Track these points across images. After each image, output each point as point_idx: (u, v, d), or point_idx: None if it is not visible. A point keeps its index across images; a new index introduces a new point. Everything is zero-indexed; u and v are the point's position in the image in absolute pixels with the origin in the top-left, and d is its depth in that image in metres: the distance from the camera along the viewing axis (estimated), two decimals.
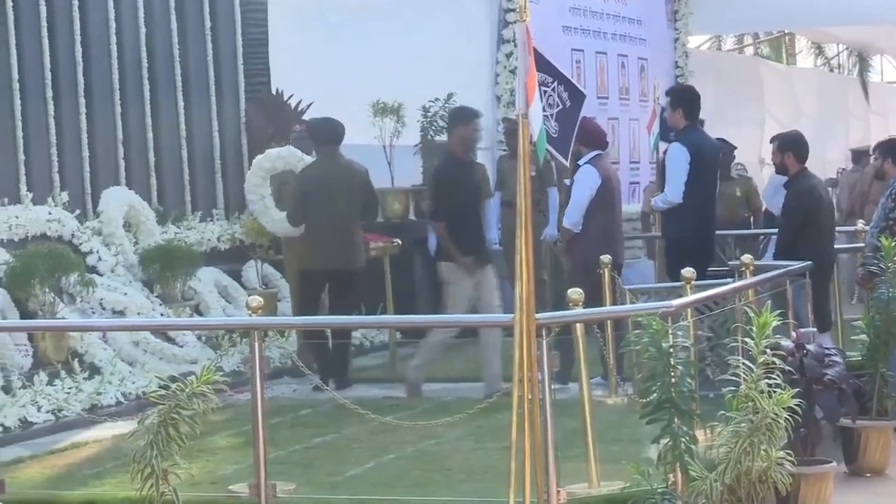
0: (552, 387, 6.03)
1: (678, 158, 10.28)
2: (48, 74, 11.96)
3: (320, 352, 10.78)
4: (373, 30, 14.55)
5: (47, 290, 10.62)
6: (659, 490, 5.83)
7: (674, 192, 10.27)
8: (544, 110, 5.95)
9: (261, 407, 6.39)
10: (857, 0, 19.42)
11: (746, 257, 8.49)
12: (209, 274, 12.66)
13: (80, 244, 11.65)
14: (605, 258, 9.87)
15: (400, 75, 14.04)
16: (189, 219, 13.21)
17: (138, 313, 11.27)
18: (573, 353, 7.17)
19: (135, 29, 12.89)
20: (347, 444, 8.58)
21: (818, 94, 25.76)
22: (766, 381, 5.95)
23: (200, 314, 12.17)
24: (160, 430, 5.98)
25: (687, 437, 5.79)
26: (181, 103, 13.37)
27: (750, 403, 5.89)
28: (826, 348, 7.37)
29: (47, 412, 9.65)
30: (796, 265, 8.64)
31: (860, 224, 11.65)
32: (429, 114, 14.22)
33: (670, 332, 5.85)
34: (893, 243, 8.23)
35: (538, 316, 5.78)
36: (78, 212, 11.91)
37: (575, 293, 6.48)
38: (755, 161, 20.45)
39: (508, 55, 15.04)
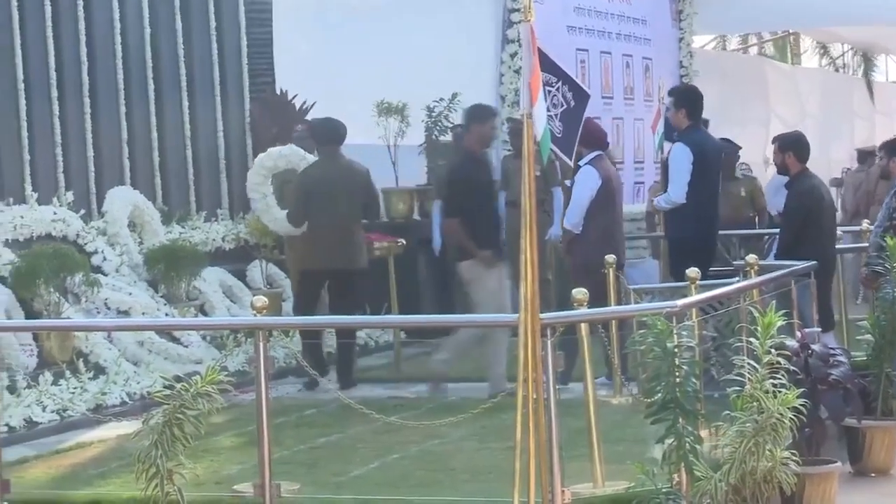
0: (556, 386, 6.04)
1: (681, 158, 10.28)
2: (53, 74, 11.97)
3: (314, 350, 10.74)
4: (377, 30, 14.55)
5: (52, 289, 10.63)
6: (663, 490, 5.83)
7: (677, 192, 10.26)
8: (548, 110, 5.93)
9: (265, 407, 6.39)
10: (862, 0, 19.39)
11: (751, 257, 8.48)
12: (214, 274, 12.67)
13: (85, 244, 11.66)
14: (610, 258, 9.88)
15: (404, 75, 14.04)
16: (194, 219, 13.22)
17: (143, 313, 11.27)
18: (575, 353, 7.17)
19: (139, 29, 12.90)
20: (352, 444, 8.59)
21: (823, 94, 25.74)
22: (771, 380, 5.95)
23: (205, 314, 12.17)
24: (165, 430, 5.98)
25: (692, 437, 5.79)
26: (186, 103, 13.38)
27: (755, 403, 5.89)
28: (830, 348, 7.37)
29: (52, 412, 9.65)
30: (801, 265, 8.63)
31: (865, 224, 11.64)
32: (433, 114, 14.22)
33: (675, 331, 5.84)
34: None
35: (543, 316, 5.78)
36: (83, 212, 11.92)
37: (579, 293, 6.48)
38: (760, 161, 20.43)
39: (513, 55, 15.04)
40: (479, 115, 10.44)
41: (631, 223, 14.81)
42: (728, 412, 5.99)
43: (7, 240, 11.05)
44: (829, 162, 22.81)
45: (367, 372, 11.63)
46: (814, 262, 8.85)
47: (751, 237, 12.66)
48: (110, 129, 12.53)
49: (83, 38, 12.30)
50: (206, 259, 12.47)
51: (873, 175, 15.79)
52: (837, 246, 10.60)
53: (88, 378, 10.40)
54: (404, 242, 12.75)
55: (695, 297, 7.01)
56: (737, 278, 8.67)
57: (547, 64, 7.26)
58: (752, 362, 5.99)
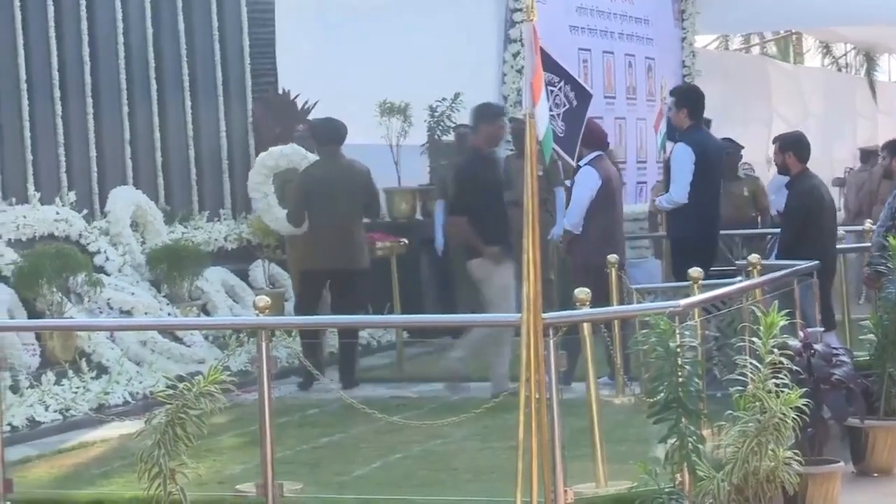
0: (559, 386, 6.04)
1: (683, 158, 10.27)
2: (56, 74, 11.98)
3: (313, 351, 10.72)
4: (380, 30, 14.55)
5: (55, 289, 10.64)
6: (666, 490, 5.82)
7: (679, 192, 10.26)
8: (551, 110, 5.94)
9: (268, 406, 6.39)
10: (865, 0, 19.39)
11: (754, 257, 8.47)
12: (216, 274, 12.67)
13: (88, 244, 11.66)
14: (612, 258, 9.88)
15: (407, 75, 14.04)
16: (196, 218, 13.22)
17: (146, 313, 11.28)
18: (577, 353, 7.16)
19: (142, 29, 12.91)
20: (354, 444, 8.59)
21: (826, 94, 25.73)
22: (774, 380, 5.95)
23: (208, 314, 12.17)
24: (167, 430, 5.98)
25: (694, 437, 5.78)
26: (188, 103, 13.38)
27: (757, 403, 5.89)
28: (833, 348, 7.36)
29: (55, 412, 9.66)
30: (804, 265, 8.63)
31: (868, 224, 11.64)
32: (435, 114, 14.22)
33: (678, 331, 5.84)
34: None
35: (545, 316, 5.78)
36: (85, 211, 11.92)
37: (582, 293, 6.48)
38: (762, 161, 20.41)
39: (515, 55, 15.03)
40: (488, 114, 10.43)
41: (633, 223, 14.82)
42: (731, 412, 5.99)
43: (10, 240, 11.06)
44: (831, 161, 22.80)
45: (370, 372, 11.63)
46: (816, 262, 8.85)
47: (753, 237, 12.65)
48: (113, 129, 12.53)
49: (86, 38, 12.30)
50: (208, 259, 12.47)
51: (876, 175, 15.79)
52: (840, 246, 10.59)
53: (91, 378, 10.40)
54: (407, 242, 12.75)
55: (697, 297, 7.01)
56: (739, 278, 8.66)
57: (549, 64, 7.28)
58: (754, 362, 5.99)
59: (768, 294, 7.79)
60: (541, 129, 5.66)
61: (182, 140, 13.33)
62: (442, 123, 14.22)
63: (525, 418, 5.59)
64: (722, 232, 11.15)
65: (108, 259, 11.75)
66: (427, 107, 14.15)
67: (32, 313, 10.59)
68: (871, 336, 8.12)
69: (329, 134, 11.12)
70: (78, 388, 10.17)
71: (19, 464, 8.08)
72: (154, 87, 12.99)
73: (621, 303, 9.61)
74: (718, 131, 13.06)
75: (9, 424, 9.00)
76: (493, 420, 7.89)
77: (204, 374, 6.12)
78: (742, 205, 13.08)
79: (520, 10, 14.46)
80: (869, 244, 10.11)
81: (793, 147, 9.88)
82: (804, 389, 6.11)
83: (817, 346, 7.11)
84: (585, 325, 6.83)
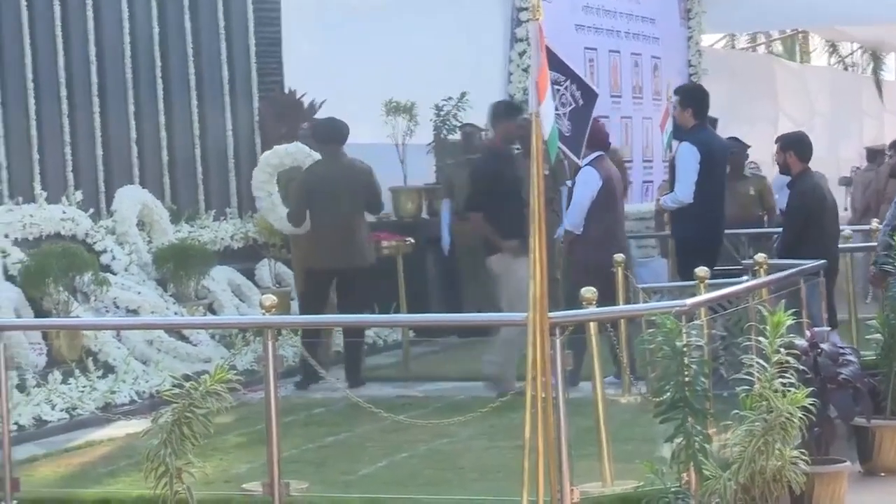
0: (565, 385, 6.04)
1: (688, 158, 10.26)
2: (62, 74, 11.99)
3: (316, 350, 10.72)
4: (385, 29, 14.55)
5: (61, 288, 10.65)
6: (672, 489, 5.82)
7: (684, 191, 10.25)
8: (557, 109, 5.93)
9: (274, 405, 6.39)
10: None
11: (760, 256, 8.47)
12: (223, 273, 12.67)
13: (94, 243, 11.67)
14: (619, 257, 9.87)
15: (413, 74, 14.04)
16: (202, 217, 13.23)
17: (152, 312, 11.29)
18: (582, 352, 7.16)
19: (148, 28, 12.92)
20: (360, 443, 8.59)
21: (832, 93, 25.72)
22: (780, 380, 5.94)
23: (214, 313, 12.18)
24: (174, 429, 5.99)
25: (701, 437, 5.78)
26: (195, 102, 13.39)
27: (764, 402, 5.88)
28: (839, 347, 7.35)
29: (61, 410, 9.67)
30: (810, 264, 8.62)
31: (874, 223, 11.62)
32: (441, 113, 14.23)
33: (684, 330, 5.84)
34: None
35: (551, 315, 5.78)
36: (92, 211, 11.93)
37: (588, 292, 6.48)
38: (768, 160, 20.36)
39: (521, 54, 15.04)
40: (506, 111, 10.44)
41: (639, 222, 14.82)
42: (737, 411, 5.98)
43: (16, 239, 11.07)
44: (838, 161, 22.79)
45: (376, 371, 11.63)
46: (823, 262, 8.84)
47: (760, 236, 12.65)
48: (119, 128, 12.54)
49: (92, 38, 12.31)
50: (214, 258, 12.48)
51: (882, 174, 15.78)
52: (848, 245, 10.58)
53: (97, 377, 10.41)
54: (413, 241, 12.75)
55: (704, 296, 7.01)
56: (745, 277, 8.65)
57: (555, 63, 7.26)
58: (761, 361, 5.98)
59: (774, 294, 7.78)
60: (546, 129, 5.67)
61: (188, 139, 13.34)
62: (448, 122, 14.23)
63: (531, 417, 5.59)
64: (728, 231, 11.14)
65: (114, 258, 11.76)
66: (433, 106, 14.16)
67: (39, 312, 10.60)
68: (878, 335, 8.11)
69: (330, 133, 11.11)
70: (84, 387, 10.18)
71: (26, 462, 8.10)
72: (160, 86, 13.00)
73: (627, 302, 9.61)
74: (724, 130, 13.06)
75: (16, 423, 9.01)
76: (499, 419, 7.89)
77: (210, 373, 6.13)
78: (748, 204, 13.07)
79: (526, 9, 14.48)
80: (875, 243, 10.10)
81: (794, 146, 9.86)
82: (811, 389, 6.10)
83: (824, 346, 7.10)
84: (592, 324, 6.82)
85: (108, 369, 10.60)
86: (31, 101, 11.67)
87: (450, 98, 14.15)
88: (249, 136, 13.97)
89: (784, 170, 9.98)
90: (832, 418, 7.00)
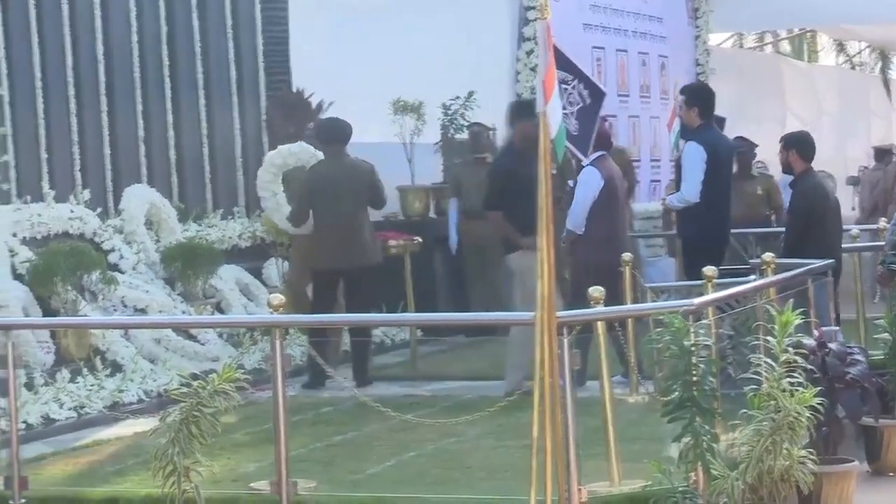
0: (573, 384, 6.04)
1: (694, 157, 10.24)
2: (70, 73, 12.01)
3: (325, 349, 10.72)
4: (393, 28, 14.56)
5: (69, 287, 10.66)
6: (680, 489, 5.82)
7: (691, 191, 10.23)
8: (565, 108, 5.94)
9: (282, 405, 6.39)
10: None
11: (768, 255, 8.46)
12: (230, 272, 12.69)
13: (102, 242, 11.69)
14: (627, 256, 9.86)
15: (420, 73, 14.04)
16: (210, 216, 13.24)
17: (160, 311, 11.30)
18: (587, 352, 7.15)
19: (156, 28, 12.93)
20: (368, 442, 8.59)
21: (840, 92, 25.69)
22: (788, 379, 5.94)
23: (222, 312, 12.19)
24: (182, 428, 6.00)
25: (708, 436, 5.78)
26: (202, 101, 13.41)
27: (772, 402, 5.88)
28: (848, 346, 7.34)
29: (69, 409, 9.68)
30: (818, 263, 8.61)
31: (882, 222, 11.61)
32: (449, 112, 14.23)
33: (692, 330, 5.84)
34: None
35: (559, 314, 5.78)
36: (100, 209, 11.95)
37: (596, 291, 6.47)
38: (776, 159, 20.35)
39: (529, 53, 15.03)
40: (524, 110, 10.44)
41: (647, 221, 14.81)
42: (745, 411, 5.98)
43: (24, 237, 11.08)
44: (845, 160, 22.77)
45: (384, 370, 11.64)
46: (831, 261, 8.83)
47: (767, 235, 12.64)
48: (127, 127, 12.56)
49: (100, 37, 12.33)
50: (222, 257, 12.49)
51: (890, 173, 15.75)
52: (854, 244, 10.56)
53: (105, 375, 10.43)
54: (420, 241, 12.76)
55: (712, 296, 7.00)
56: (753, 276, 8.65)
57: (563, 62, 7.27)
58: (769, 361, 5.98)
59: (785, 293, 7.77)
60: (553, 128, 5.67)
61: (196, 138, 13.35)
62: (455, 122, 14.23)
63: (539, 417, 5.59)
64: (736, 230, 11.12)
65: (122, 257, 11.77)
66: (440, 105, 14.16)
67: (47, 311, 10.62)
68: (886, 335, 8.09)
69: (332, 133, 11.11)
70: (92, 385, 10.19)
71: (34, 461, 8.11)
72: (168, 85, 13.02)
73: (634, 301, 9.60)
74: (732, 130, 13.04)
75: (24, 422, 9.04)
76: (507, 418, 7.89)
77: (218, 372, 6.13)
78: (756, 203, 13.07)
79: (533, 8, 14.46)
80: (883, 242, 10.08)
81: (796, 145, 9.83)
82: (818, 388, 6.10)
83: (832, 345, 7.09)
84: (599, 323, 6.82)
85: (116, 368, 10.61)
86: (40, 100, 11.69)
87: (457, 97, 14.15)
88: (257, 135, 13.98)
89: (787, 169, 9.96)
90: (840, 418, 6.99)
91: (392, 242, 12.35)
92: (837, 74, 27.56)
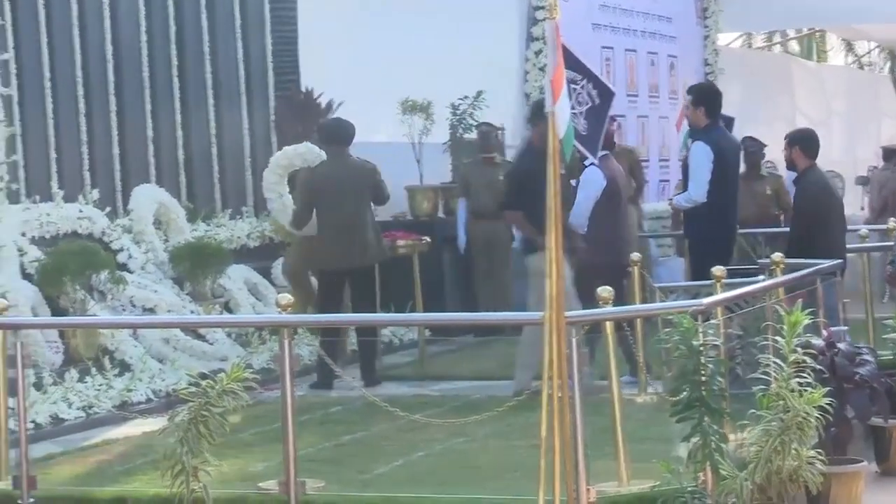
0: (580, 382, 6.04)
1: (701, 157, 10.22)
2: (79, 72, 12.02)
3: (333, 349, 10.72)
4: (402, 28, 14.56)
5: (78, 287, 10.67)
6: (689, 489, 5.81)
7: (697, 190, 10.22)
8: (573, 108, 5.94)
9: (290, 404, 6.40)
10: None
11: (777, 255, 8.45)
12: (239, 271, 12.69)
13: (111, 242, 11.70)
14: (636, 256, 9.85)
15: (429, 73, 14.05)
16: (219, 216, 13.25)
17: (168, 311, 11.30)
18: (593, 353, 7.15)
19: (165, 27, 12.94)
20: (377, 442, 8.59)
21: (849, 92, 25.64)
22: (797, 379, 5.93)
23: (230, 311, 12.20)
24: (190, 427, 6.00)
25: (717, 436, 5.77)
26: (211, 101, 13.42)
27: (780, 402, 5.88)
28: (856, 347, 7.33)
29: (78, 409, 9.69)
30: (827, 263, 8.59)
31: (891, 222, 11.59)
32: (458, 112, 14.22)
33: (700, 330, 5.83)
34: None
35: (568, 314, 5.77)
36: (108, 209, 11.96)
37: (605, 291, 6.47)
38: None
39: (538, 53, 15.02)
40: (545, 111, 10.41)
41: (656, 221, 14.80)
42: (753, 411, 5.97)
43: (33, 237, 11.10)
44: (855, 160, 22.73)
45: (392, 370, 11.64)
46: (840, 261, 8.81)
47: (776, 235, 12.61)
48: (136, 127, 12.57)
49: (109, 37, 12.34)
50: (231, 256, 12.49)
51: None
52: (864, 244, 10.54)
53: (114, 375, 10.44)
54: (429, 240, 12.76)
55: (721, 296, 6.99)
56: (762, 276, 8.64)
57: (572, 62, 7.25)
58: (777, 361, 5.97)
59: (790, 293, 7.76)
60: (561, 128, 5.66)
61: (205, 138, 13.36)
62: (464, 121, 14.22)
63: (548, 417, 5.59)
64: (745, 230, 11.09)
65: (131, 257, 11.78)
66: (449, 105, 14.15)
67: (56, 311, 10.63)
68: (895, 335, 8.08)
69: (334, 134, 11.10)
70: (101, 385, 10.20)
71: (43, 461, 8.11)
72: (177, 85, 13.03)
73: (643, 301, 9.59)
74: (741, 130, 13.03)
75: (32, 421, 9.04)
76: (515, 418, 7.88)
77: (227, 372, 6.13)
78: (765, 203, 13.06)
79: (542, 7, 14.46)
80: (892, 242, 10.06)
81: (800, 142, 9.81)
82: (827, 389, 6.09)
83: (841, 345, 7.08)
84: (608, 323, 6.81)
85: (124, 368, 10.62)
86: (49, 100, 11.70)
87: (466, 97, 14.14)
88: (266, 135, 13.98)
89: (790, 165, 9.95)
90: (849, 418, 6.98)
91: (401, 242, 12.36)
92: (847, 74, 27.52)
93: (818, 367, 6.31)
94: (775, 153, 13.82)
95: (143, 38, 12.69)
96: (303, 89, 13.96)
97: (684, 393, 5.79)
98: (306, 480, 6.55)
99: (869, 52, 29.74)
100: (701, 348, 5.77)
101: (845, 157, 22.69)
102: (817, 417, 5.88)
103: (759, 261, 9.81)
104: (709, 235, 10.15)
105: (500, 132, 14.01)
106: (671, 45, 18.13)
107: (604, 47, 16.47)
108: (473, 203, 13.37)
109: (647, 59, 17.61)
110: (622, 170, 10.90)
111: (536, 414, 5.67)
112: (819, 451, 5.99)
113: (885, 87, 27.71)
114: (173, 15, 13.01)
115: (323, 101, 13.70)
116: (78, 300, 10.66)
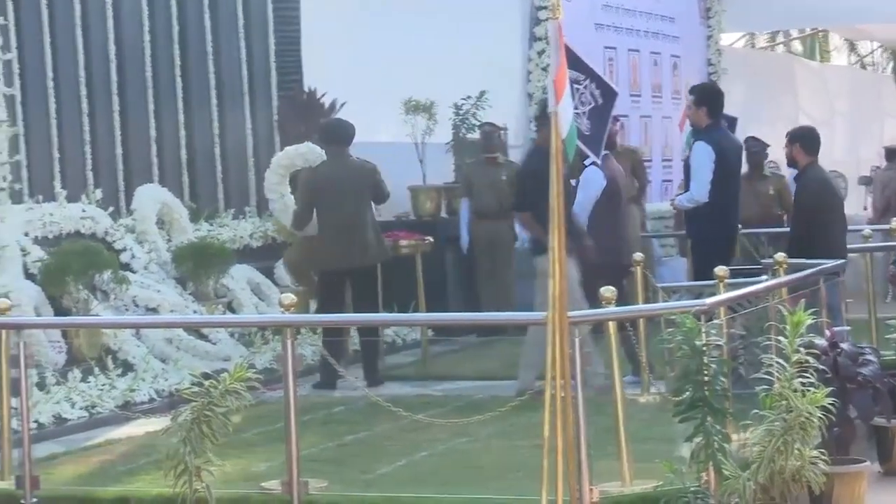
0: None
1: (703, 157, 10.21)
2: (82, 73, 12.03)
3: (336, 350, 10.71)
4: (405, 28, 14.56)
5: (81, 287, 10.68)
6: (692, 489, 5.81)
7: (699, 190, 10.21)
8: (576, 108, 5.93)
9: (293, 404, 6.40)
10: None
11: (780, 255, 8.44)
12: (242, 271, 12.69)
13: (114, 241, 11.70)
14: (638, 256, 9.85)
15: (432, 73, 14.05)
16: (222, 216, 13.26)
17: (171, 310, 11.31)
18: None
19: (168, 27, 12.95)
20: (379, 442, 8.59)
21: (852, 92, 25.64)
22: (800, 379, 5.93)
23: (233, 311, 12.20)
24: (193, 427, 6.00)
25: (720, 436, 5.77)
26: (214, 101, 13.42)
27: (783, 402, 5.87)
28: (859, 347, 7.33)
29: (81, 409, 9.70)
30: (830, 263, 8.59)
31: (894, 222, 11.59)
32: (460, 112, 14.23)
33: (703, 330, 5.83)
34: None
35: (571, 314, 5.77)
36: (111, 209, 11.96)
37: (608, 291, 6.47)
38: None
39: (540, 53, 15.02)
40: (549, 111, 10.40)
41: (658, 221, 14.79)
42: (756, 411, 5.97)
43: (36, 237, 11.10)
44: (857, 160, 22.72)
45: (395, 370, 11.64)
46: (843, 261, 8.80)
47: (779, 235, 12.61)
48: (139, 127, 12.58)
49: (112, 36, 12.35)
50: (234, 256, 12.50)
51: None
52: (866, 244, 10.53)
53: (117, 375, 10.44)
54: (431, 240, 12.76)
55: (724, 296, 6.99)
56: (764, 276, 8.63)
57: (575, 62, 7.26)
58: (780, 361, 5.97)
59: (797, 293, 7.75)
60: (564, 128, 5.66)
61: (208, 138, 13.36)
62: (467, 121, 14.23)
63: (550, 417, 5.59)
64: (748, 230, 11.08)
65: (133, 256, 11.79)
66: (452, 105, 14.16)
67: (59, 310, 10.63)
68: None
69: (334, 134, 11.09)
70: (104, 385, 10.21)
71: (46, 461, 8.12)
72: (180, 85, 13.04)
73: (646, 301, 9.59)
74: (744, 130, 13.02)
75: (35, 421, 9.05)
76: (518, 418, 7.88)
77: (230, 372, 6.14)
78: (768, 203, 13.06)
79: (545, 7, 14.46)
80: (895, 243, 10.06)
81: (801, 139, 9.80)
82: (830, 389, 6.09)
83: (843, 346, 7.08)
84: (611, 323, 6.81)
85: (127, 367, 10.63)
86: (52, 99, 11.71)
87: (469, 97, 14.15)
88: (269, 135, 13.99)
89: (791, 163, 9.95)
90: (852, 418, 6.98)
91: (403, 242, 12.36)
92: (850, 74, 27.51)
93: (821, 367, 6.31)
94: (778, 153, 13.82)
95: (147, 37, 12.69)
96: (306, 89, 13.97)
97: (687, 393, 5.79)
98: (309, 480, 6.55)
99: (872, 52, 29.73)
100: (704, 348, 5.77)
101: (848, 158, 22.68)
102: (820, 417, 5.88)
103: (762, 261, 9.81)
104: (710, 235, 10.15)
105: (502, 132, 14.02)
106: (674, 46, 18.13)
107: (607, 47, 16.47)
108: (476, 203, 13.37)
109: (650, 59, 17.61)
110: (623, 170, 10.90)
111: (539, 414, 5.67)
112: (822, 451, 5.99)
113: (888, 87, 27.69)
114: (176, 15, 13.02)
115: (326, 102, 13.71)
116: (81, 300, 10.66)
